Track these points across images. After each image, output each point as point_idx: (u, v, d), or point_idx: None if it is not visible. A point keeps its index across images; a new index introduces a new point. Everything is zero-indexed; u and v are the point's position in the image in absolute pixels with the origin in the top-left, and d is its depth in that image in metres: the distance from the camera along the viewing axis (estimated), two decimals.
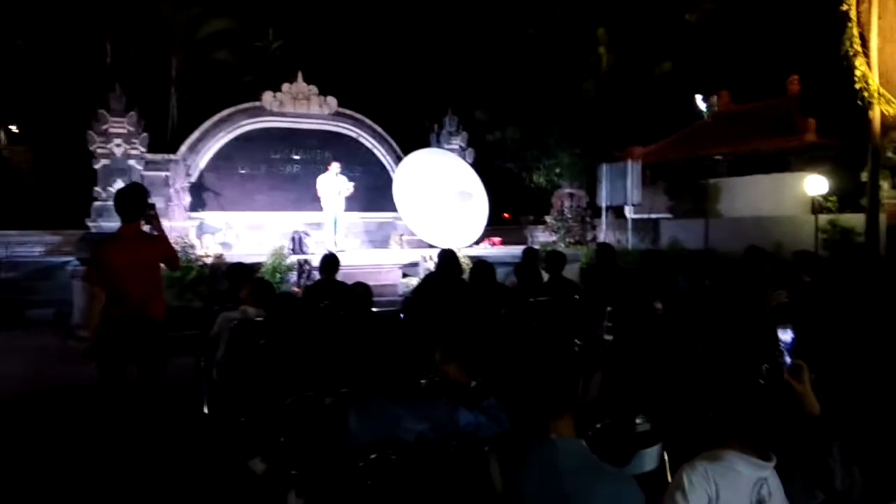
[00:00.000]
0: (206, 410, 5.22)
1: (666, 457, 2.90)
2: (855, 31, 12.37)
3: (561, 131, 17.39)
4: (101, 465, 4.10)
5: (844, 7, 12.51)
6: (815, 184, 13.08)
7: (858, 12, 12.54)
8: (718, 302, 3.97)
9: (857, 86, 12.38)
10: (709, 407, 1.93)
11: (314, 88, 14.83)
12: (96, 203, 12.31)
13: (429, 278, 6.56)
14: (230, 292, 5.56)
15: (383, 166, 15.53)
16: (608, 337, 3.49)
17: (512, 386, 1.89)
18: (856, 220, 13.78)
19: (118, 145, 12.54)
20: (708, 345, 3.19)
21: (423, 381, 2.70)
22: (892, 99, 12.63)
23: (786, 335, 2.32)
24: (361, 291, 4.41)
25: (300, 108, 14.65)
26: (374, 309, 4.81)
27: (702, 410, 1.98)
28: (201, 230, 13.19)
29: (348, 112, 15.24)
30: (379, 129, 15.59)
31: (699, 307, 3.81)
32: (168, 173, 13.03)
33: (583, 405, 2.21)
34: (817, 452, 2.11)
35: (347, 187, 12.77)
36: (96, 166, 12.47)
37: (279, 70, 18.91)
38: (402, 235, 14.50)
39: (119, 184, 11.97)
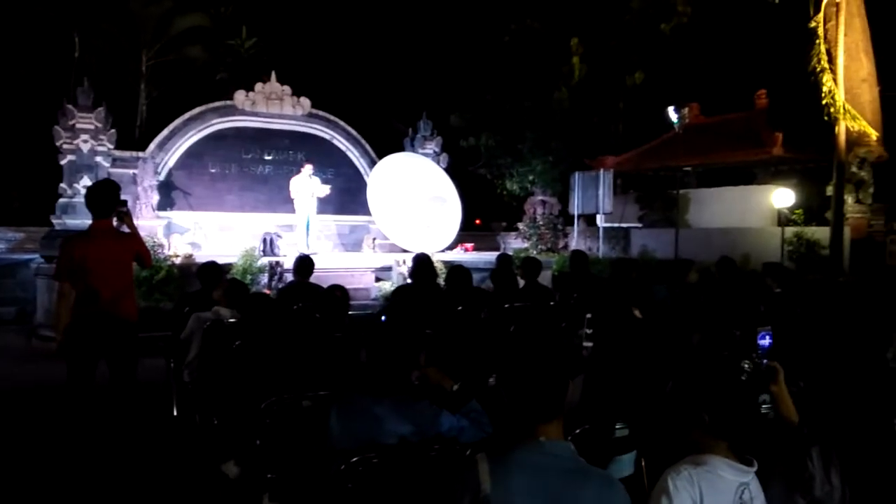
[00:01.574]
0: (175, 413, 5.12)
1: (643, 463, 2.92)
2: (822, 48, 12.70)
3: (534, 139, 17.53)
4: (69, 468, 3.98)
5: (812, 24, 12.85)
6: (782, 197, 13.36)
7: (825, 29, 12.88)
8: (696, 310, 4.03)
9: (824, 101, 12.70)
10: (701, 408, 1.94)
11: (287, 89, 14.71)
12: (61, 200, 12.02)
13: (405, 283, 6.53)
14: (202, 293, 5.46)
15: (357, 169, 15.46)
16: (588, 343, 3.51)
17: (503, 389, 1.88)
18: (821, 233, 14.13)
19: (85, 141, 12.26)
20: (691, 345, 3.23)
21: (414, 378, 2.68)
22: (857, 115, 13.00)
23: (763, 340, 2.35)
24: (339, 294, 4.37)
25: (273, 108, 14.52)
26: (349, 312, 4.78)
27: (683, 415, 1.99)
28: (169, 230, 12.97)
29: (322, 113, 15.15)
30: (353, 132, 15.52)
31: (680, 314, 3.86)
32: (136, 171, 12.78)
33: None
34: (797, 458, 2.14)
35: (323, 189, 12.68)
36: (62, 162, 12.18)
37: (252, 69, 18.65)
38: (374, 239, 14.45)
39: (86, 180, 11.74)
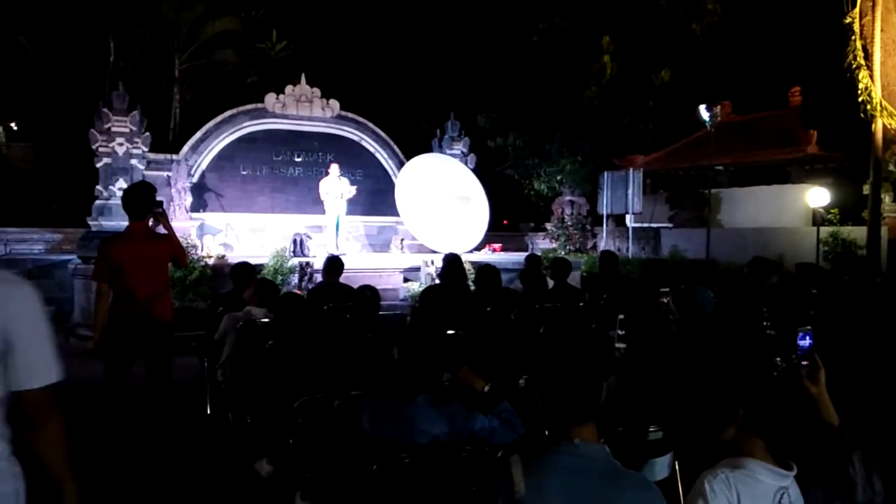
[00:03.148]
0: (208, 412, 5.20)
1: (677, 466, 2.88)
2: (858, 44, 12.43)
3: (563, 139, 17.43)
4: (105, 466, 4.06)
5: (848, 20, 12.58)
6: (817, 196, 13.10)
7: (861, 25, 12.61)
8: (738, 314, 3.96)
9: (860, 98, 12.43)
10: (736, 403, 1.91)
11: (317, 91, 14.83)
12: (97, 202, 12.28)
13: (433, 283, 6.54)
14: (235, 293, 5.54)
15: (385, 170, 15.53)
16: (620, 345, 3.48)
17: (537, 391, 1.87)
18: (857, 232, 13.82)
19: (120, 144, 12.51)
20: (729, 346, 3.19)
21: (445, 379, 2.69)
22: (895, 112, 12.68)
23: (804, 340, 2.30)
24: (370, 295, 4.39)
25: (303, 110, 14.66)
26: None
27: (719, 414, 1.97)
28: (202, 231, 13.17)
29: (351, 115, 15.25)
30: (381, 133, 15.59)
31: (724, 320, 3.79)
32: (170, 173, 13.01)
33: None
34: (838, 462, 2.10)
35: (350, 190, 12.74)
36: (98, 165, 12.44)
37: (282, 72, 18.89)
38: (403, 240, 14.50)
39: (121, 183, 11.97)
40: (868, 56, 12.61)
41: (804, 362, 2.26)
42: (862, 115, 12.64)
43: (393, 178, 15.05)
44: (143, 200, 4.33)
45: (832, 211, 14.88)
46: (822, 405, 2.26)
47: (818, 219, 13.62)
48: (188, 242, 10.66)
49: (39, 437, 1.76)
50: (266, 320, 4.59)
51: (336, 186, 12.69)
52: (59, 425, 1.81)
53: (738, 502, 1.82)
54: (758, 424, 1.88)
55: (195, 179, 13.51)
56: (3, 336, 1.58)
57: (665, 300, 4.64)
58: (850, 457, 2.10)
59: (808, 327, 2.31)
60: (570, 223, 17.45)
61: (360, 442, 2.46)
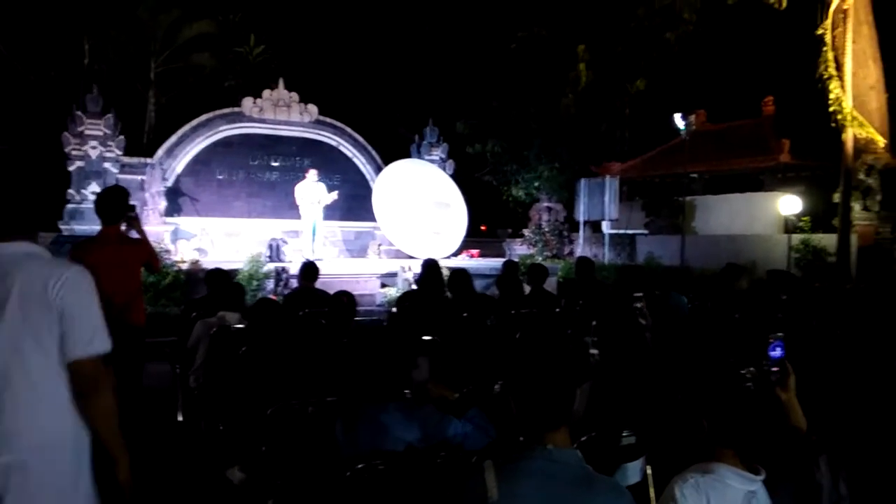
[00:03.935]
0: (180, 418, 5.13)
1: (649, 470, 2.91)
2: (830, 55, 12.68)
3: (541, 145, 17.54)
4: None
5: (820, 31, 12.83)
6: (789, 204, 13.32)
7: (833, 36, 12.87)
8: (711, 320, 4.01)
9: (832, 108, 12.66)
10: (702, 415, 1.94)
11: (295, 95, 14.77)
12: (69, 205, 12.08)
13: (410, 289, 6.53)
14: (209, 299, 5.48)
15: (363, 175, 15.49)
16: (594, 351, 3.50)
17: (511, 396, 1.88)
18: (828, 240, 14.07)
19: (94, 147, 12.35)
20: (699, 354, 3.22)
21: (406, 393, 2.68)
22: (865, 122, 12.97)
23: (774, 351, 2.33)
24: (346, 300, 4.37)
25: (280, 114, 14.58)
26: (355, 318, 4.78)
27: (691, 423, 1.99)
28: (176, 235, 13.02)
29: (329, 120, 15.20)
30: (359, 138, 15.56)
31: (697, 327, 3.84)
32: (144, 177, 12.85)
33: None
34: (805, 467, 2.13)
35: (330, 195, 12.67)
36: (70, 168, 12.25)
37: (260, 76, 18.76)
38: (380, 245, 14.46)
39: (94, 186, 11.80)
40: (839, 67, 12.88)
41: (774, 368, 2.30)
42: (833, 124, 12.90)
43: (371, 183, 15.02)
44: (115, 204, 4.27)
45: (804, 219, 15.14)
46: (791, 410, 2.30)
47: (790, 226, 13.85)
48: (161, 247, 10.53)
49: (91, 407, 1.93)
50: (240, 326, 4.55)
51: (313, 191, 12.62)
52: (109, 396, 1.98)
53: None
54: (726, 437, 1.92)
55: (170, 183, 13.36)
56: (60, 312, 1.85)
57: (639, 306, 4.69)
58: (816, 461, 2.13)
59: (780, 334, 2.34)
60: (547, 229, 17.56)
61: (335, 451, 2.44)
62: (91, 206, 3.80)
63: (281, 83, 14.71)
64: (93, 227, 4.26)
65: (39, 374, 1.86)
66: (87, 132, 12.29)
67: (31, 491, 1.80)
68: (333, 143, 15.25)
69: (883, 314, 4.50)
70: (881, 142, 13.70)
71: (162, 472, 4.35)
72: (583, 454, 1.93)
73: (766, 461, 1.95)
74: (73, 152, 12.25)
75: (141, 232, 4.44)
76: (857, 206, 13.93)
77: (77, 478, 1.93)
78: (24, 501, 1.78)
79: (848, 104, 12.70)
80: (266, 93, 14.53)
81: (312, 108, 14.89)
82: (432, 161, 15.78)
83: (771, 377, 2.29)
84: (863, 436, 2.21)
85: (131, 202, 4.42)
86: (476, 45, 19.55)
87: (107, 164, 12.45)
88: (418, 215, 13.99)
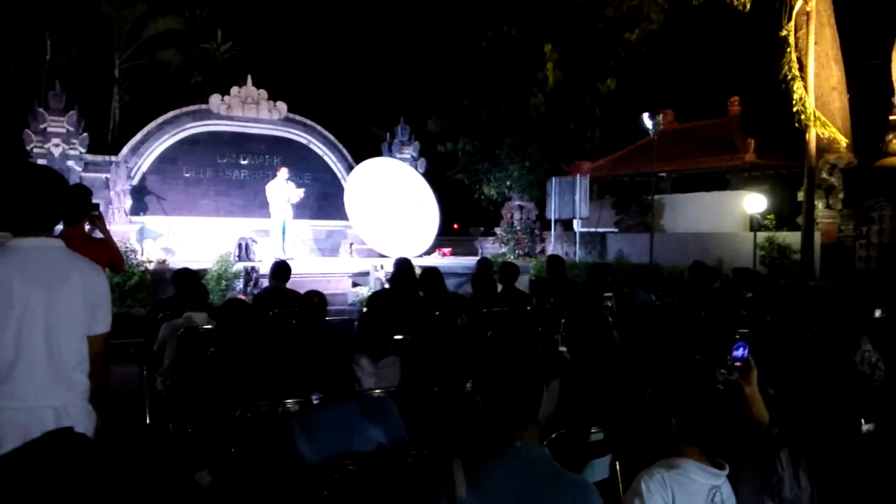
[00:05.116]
0: (148, 421, 5.05)
1: (617, 466, 2.94)
2: (793, 56, 12.93)
3: (511, 144, 17.64)
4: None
5: (783, 32, 13.07)
6: (754, 202, 13.56)
7: (797, 38, 13.13)
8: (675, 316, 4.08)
9: (795, 108, 12.91)
10: (670, 414, 1.97)
11: (264, 93, 14.61)
12: None
13: (381, 288, 6.51)
14: (176, 299, 5.40)
15: (334, 174, 15.40)
16: (563, 348, 3.53)
17: (480, 395, 1.89)
18: (792, 237, 14.36)
19: (56, 145, 12.09)
20: (670, 353, 3.27)
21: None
22: (828, 122, 13.26)
23: (737, 351, 2.38)
24: (316, 300, 4.34)
25: (249, 112, 14.41)
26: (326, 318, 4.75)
27: (658, 419, 2.02)
28: (142, 235, 12.81)
29: (298, 118, 15.07)
30: (330, 136, 15.46)
31: (663, 323, 3.89)
32: (109, 175, 12.62)
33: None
34: (766, 460, 2.18)
35: (297, 193, 12.56)
36: None
37: (228, 73, 18.52)
38: (352, 244, 14.39)
39: None
40: (802, 68, 13.14)
41: (737, 363, 2.34)
42: (797, 124, 13.16)
43: (342, 181, 14.94)
44: (78, 204, 4.18)
45: (768, 217, 15.43)
46: (753, 404, 2.34)
47: (755, 224, 14.10)
48: (127, 247, 10.34)
49: (94, 371, 2.49)
50: (208, 327, 4.49)
51: (283, 190, 12.50)
52: (101, 364, 2.56)
53: (673, 501, 1.88)
54: (691, 434, 1.95)
55: (135, 182, 13.13)
56: (89, 298, 2.40)
57: (609, 304, 4.74)
58: (778, 454, 2.18)
59: (745, 331, 2.38)
60: (519, 228, 17.65)
61: (299, 462, 2.41)
62: None
63: (249, 80, 14.54)
64: (56, 227, 4.15)
65: (73, 342, 2.39)
66: (50, 129, 12.03)
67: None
68: (303, 141, 15.13)
69: (844, 310, 4.61)
70: (843, 141, 14.03)
71: (130, 476, 4.28)
72: (552, 451, 1.95)
73: (729, 455, 1.99)
74: (35, 150, 11.98)
75: (105, 231, 4.35)
76: (820, 205, 14.25)
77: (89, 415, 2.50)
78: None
79: (811, 104, 12.97)
80: (234, 90, 14.35)
81: (281, 106, 14.75)
82: (404, 159, 15.74)
83: (733, 370, 2.33)
84: (822, 429, 2.27)
85: (95, 201, 4.34)
86: (447, 43, 19.58)
87: (70, 163, 12.19)
88: (390, 214, 13.95)
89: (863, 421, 2.56)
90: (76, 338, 2.39)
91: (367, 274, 11.35)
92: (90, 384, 2.47)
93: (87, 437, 1.86)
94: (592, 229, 17.62)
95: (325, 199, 14.88)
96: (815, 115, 12.97)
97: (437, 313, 4.67)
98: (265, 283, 9.30)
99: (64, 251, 2.45)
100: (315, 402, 2.59)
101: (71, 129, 12.18)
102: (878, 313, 4.67)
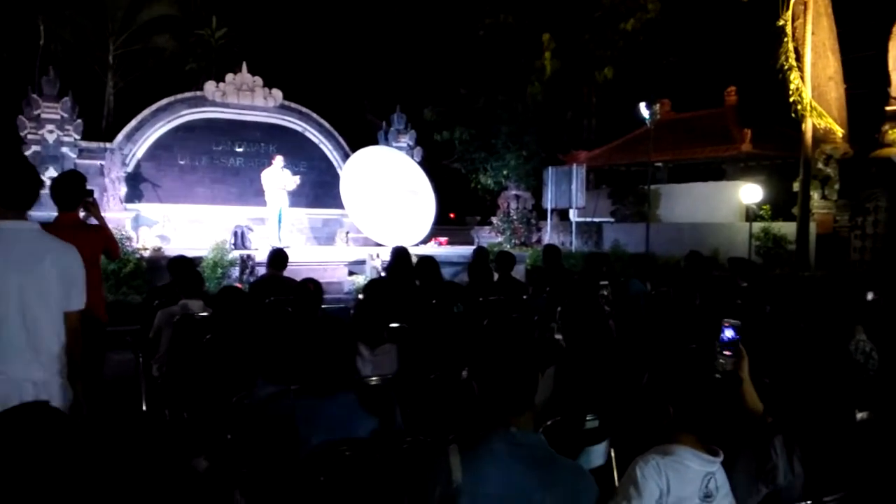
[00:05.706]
0: (144, 408, 5.05)
1: (613, 453, 2.96)
2: (790, 46, 12.91)
3: (508, 133, 17.59)
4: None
5: (780, 22, 13.04)
6: (750, 192, 13.58)
7: (794, 28, 13.10)
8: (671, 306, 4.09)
9: (791, 99, 12.91)
10: (667, 402, 1.98)
11: (259, 80, 14.53)
12: None
13: (378, 277, 6.51)
14: (171, 287, 5.39)
15: (330, 162, 15.35)
16: (558, 336, 3.54)
17: (476, 382, 1.89)
18: (787, 228, 14.39)
19: (50, 131, 12.02)
20: (668, 343, 3.28)
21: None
22: (824, 112, 13.26)
23: (725, 332, 2.37)
24: (312, 288, 4.34)
25: (244, 99, 14.34)
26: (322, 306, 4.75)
27: (655, 407, 2.03)
28: (137, 222, 12.77)
29: (294, 105, 14.99)
30: (326, 124, 15.39)
31: (657, 310, 3.91)
32: (103, 162, 12.54)
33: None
34: (761, 447, 2.19)
35: (293, 181, 12.50)
36: (26, 153, 11.88)
37: (223, 60, 18.42)
38: (348, 233, 14.37)
39: (51, 172, 11.47)
40: (799, 58, 13.12)
41: (727, 352, 2.34)
42: (793, 114, 13.16)
43: (338, 170, 14.89)
44: (72, 190, 4.15)
45: (764, 207, 15.46)
46: (745, 392, 2.36)
47: (751, 214, 14.14)
48: (122, 234, 10.32)
49: (71, 343, 2.61)
50: (204, 314, 4.49)
51: (279, 178, 12.45)
52: (78, 341, 2.66)
53: (668, 487, 1.89)
54: (690, 422, 1.96)
55: (130, 169, 13.07)
56: (63, 277, 2.53)
57: (605, 293, 4.76)
58: (772, 442, 2.19)
59: (737, 322, 2.38)
60: (515, 217, 17.66)
61: (298, 447, 2.41)
62: (47, 191, 3.68)
63: (244, 67, 14.45)
64: (50, 213, 4.13)
65: (50, 320, 2.52)
66: (44, 116, 11.95)
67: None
68: (299, 129, 15.06)
69: (839, 300, 4.63)
70: (839, 132, 14.03)
71: (127, 463, 4.29)
72: (548, 438, 1.96)
73: (724, 442, 2.00)
74: (29, 136, 11.90)
75: (100, 218, 4.32)
76: (815, 195, 14.27)
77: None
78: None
79: (807, 94, 12.96)
80: (229, 77, 14.27)
81: (277, 93, 14.67)
82: (400, 148, 15.70)
83: (725, 361, 2.33)
84: (816, 417, 2.28)
85: (90, 187, 4.31)
86: (444, 31, 19.46)
87: (64, 149, 12.13)
88: (387, 203, 13.93)
89: (857, 409, 2.58)
90: (52, 316, 2.52)
91: (363, 262, 11.34)
92: (66, 360, 2.58)
93: (62, 412, 1.86)
94: (589, 219, 17.64)
95: (320, 188, 14.84)
96: (811, 106, 12.97)
97: (434, 302, 4.68)
98: (261, 271, 9.31)
99: (39, 233, 2.57)
100: (311, 389, 2.59)
101: (65, 115, 12.10)
102: (870, 296, 4.71)
